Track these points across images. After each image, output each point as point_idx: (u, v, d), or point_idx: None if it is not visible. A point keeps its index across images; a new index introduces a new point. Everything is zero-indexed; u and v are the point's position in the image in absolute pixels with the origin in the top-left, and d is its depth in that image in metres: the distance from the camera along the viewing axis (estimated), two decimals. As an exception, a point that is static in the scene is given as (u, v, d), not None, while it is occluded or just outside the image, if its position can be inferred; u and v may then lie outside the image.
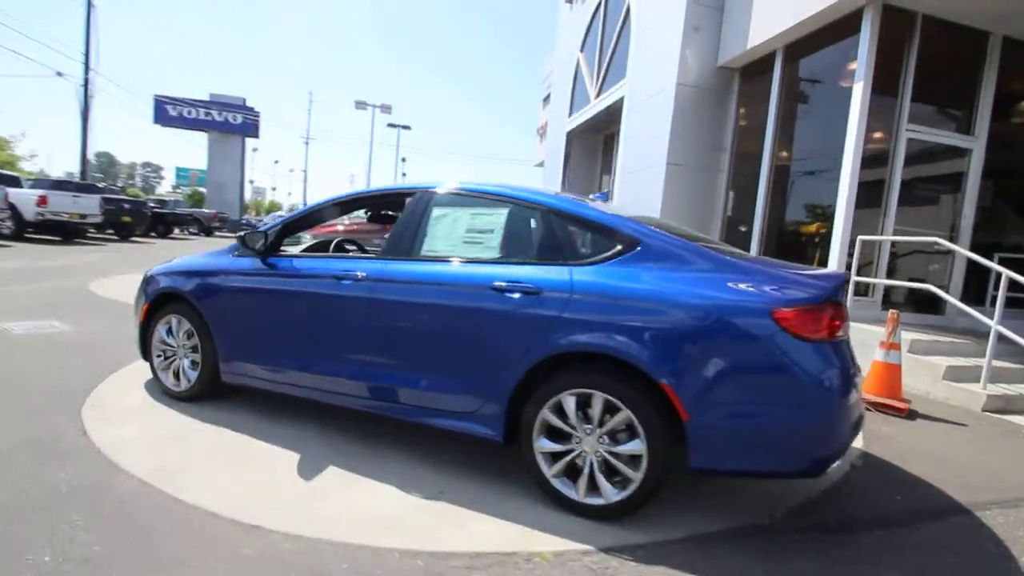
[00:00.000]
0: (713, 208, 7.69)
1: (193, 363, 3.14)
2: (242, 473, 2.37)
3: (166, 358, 3.25)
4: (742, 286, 1.99)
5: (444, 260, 2.45)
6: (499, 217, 2.45)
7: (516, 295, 2.20)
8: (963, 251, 4.96)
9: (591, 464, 2.12)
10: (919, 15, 5.32)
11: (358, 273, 2.55)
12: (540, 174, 20.11)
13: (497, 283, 2.25)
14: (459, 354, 2.34)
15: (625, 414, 2.04)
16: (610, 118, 11.45)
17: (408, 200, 2.69)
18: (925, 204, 5.85)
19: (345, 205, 3.08)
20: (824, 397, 1.89)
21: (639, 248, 2.16)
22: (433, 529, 2.03)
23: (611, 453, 2.09)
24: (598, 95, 10.81)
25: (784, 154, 6.64)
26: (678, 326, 1.97)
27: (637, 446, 2.03)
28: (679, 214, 7.30)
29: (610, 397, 2.05)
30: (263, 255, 2.89)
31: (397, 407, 2.53)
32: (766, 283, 2.00)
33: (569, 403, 2.14)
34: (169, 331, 3.21)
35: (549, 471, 2.19)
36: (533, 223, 2.40)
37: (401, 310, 2.45)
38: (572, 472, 2.18)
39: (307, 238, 5.77)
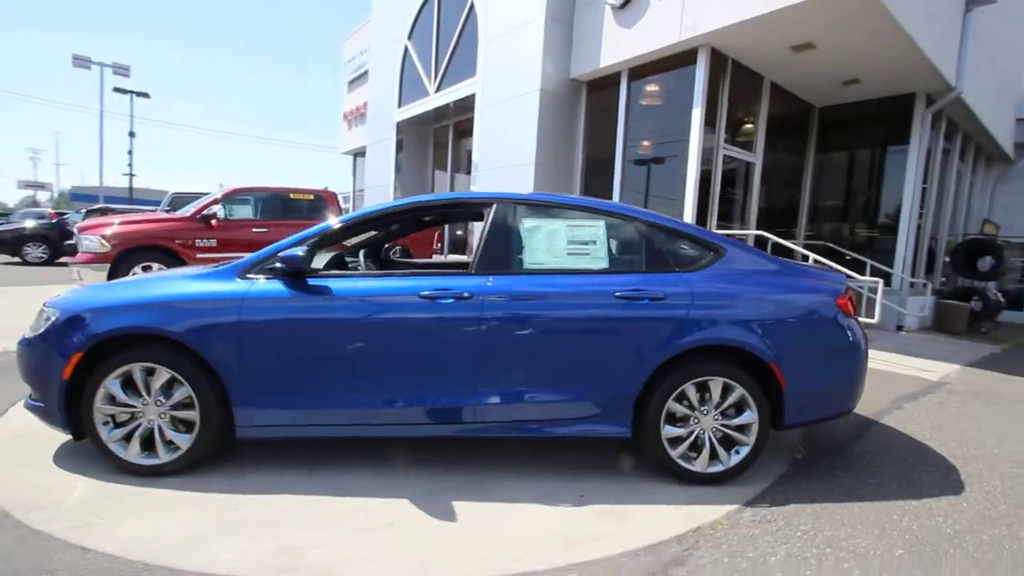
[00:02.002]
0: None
1: (177, 423, 2.41)
2: (373, 535, 2.04)
3: (118, 425, 2.40)
4: (809, 281, 2.61)
5: (556, 273, 2.48)
6: (598, 229, 2.58)
7: (644, 301, 2.42)
8: (779, 240, 6.81)
9: (710, 439, 2.51)
10: (729, 59, 6.98)
11: (463, 292, 2.37)
12: (348, 163, 18.92)
13: (621, 292, 2.42)
14: (588, 362, 2.43)
15: (739, 392, 2.47)
16: (446, 113, 11.62)
17: (488, 211, 2.58)
18: (730, 203, 7.74)
19: (399, 215, 2.71)
20: (861, 355, 2.64)
21: (726, 254, 2.59)
22: (615, 531, 2.13)
23: (725, 427, 2.51)
24: (438, 89, 10.84)
25: (632, 158, 7.90)
26: (777, 315, 2.49)
27: (749, 417, 2.48)
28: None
29: (728, 380, 2.46)
30: (305, 277, 2.40)
31: (512, 425, 2.47)
32: (817, 278, 2.66)
33: (691, 391, 2.47)
34: (126, 387, 2.38)
35: (674, 453, 2.49)
36: (634, 235, 2.61)
37: (521, 326, 2.40)
38: (690, 449, 2.52)
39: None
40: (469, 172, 12.65)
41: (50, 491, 2.24)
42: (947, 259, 9.76)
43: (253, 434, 2.43)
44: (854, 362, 2.63)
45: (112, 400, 2.38)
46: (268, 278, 2.41)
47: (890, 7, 5.25)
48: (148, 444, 2.41)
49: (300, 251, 2.33)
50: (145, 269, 7.12)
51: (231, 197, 7.96)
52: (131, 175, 33.27)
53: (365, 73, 16.08)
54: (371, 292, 2.41)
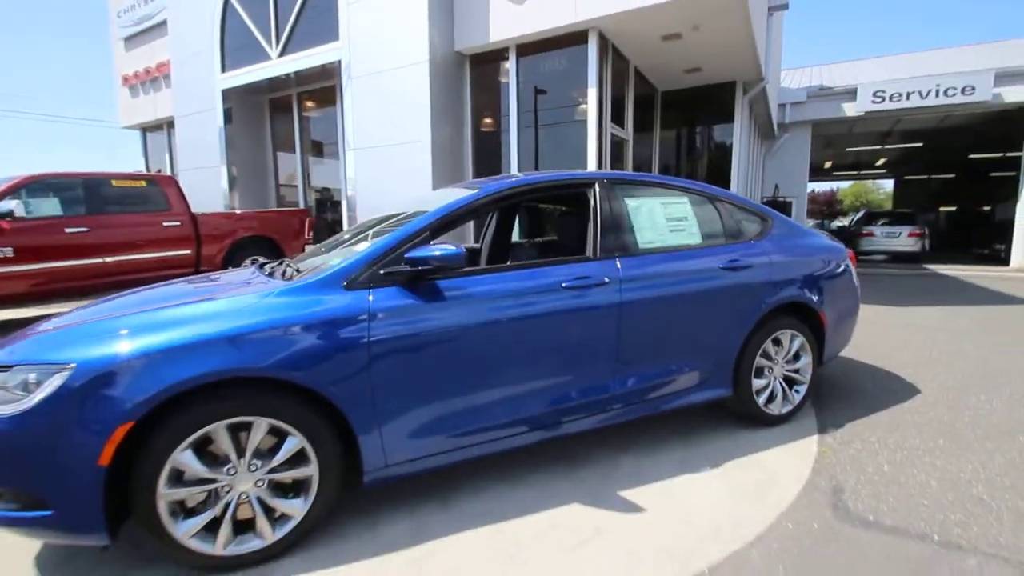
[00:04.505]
0: (464, 180, 8.46)
1: (275, 489, 1.87)
2: (592, 545, 1.92)
3: (185, 512, 1.77)
4: (829, 240, 3.13)
5: (666, 251, 2.53)
6: (684, 205, 2.68)
7: (740, 271, 2.63)
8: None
9: (782, 385, 2.89)
10: (610, 43, 7.53)
11: (602, 278, 2.27)
12: (136, 138, 15.14)
13: (723, 264, 2.60)
14: (707, 331, 2.58)
15: (801, 340, 2.89)
16: (286, 82, 10.15)
17: (591, 192, 2.47)
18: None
19: (499, 200, 2.35)
20: (859, 299, 3.29)
21: (773, 223, 2.96)
22: (768, 479, 2.35)
23: (790, 372, 2.92)
24: (283, 53, 9.37)
25: (524, 133, 8.04)
26: (820, 271, 2.96)
27: (806, 360, 2.94)
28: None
29: (794, 331, 2.86)
30: (435, 280, 2.02)
31: (645, 405, 2.49)
32: (827, 238, 3.21)
33: (769, 347, 2.81)
34: (199, 454, 1.75)
35: (761, 401, 2.81)
36: (712, 209, 2.78)
37: (653, 306, 2.40)
38: (768, 397, 2.87)
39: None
40: (315, 153, 11.36)
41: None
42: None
43: (385, 475, 2.00)
44: (857, 305, 3.27)
45: (179, 479, 1.72)
46: (386, 285, 1.96)
47: (751, 7, 6.30)
48: (248, 523, 1.82)
49: (443, 249, 1.94)
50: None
51: (28, 187, 5.95)
52: None
53: (154, 28, 13.01)
54: (516, 289, 2.15)
